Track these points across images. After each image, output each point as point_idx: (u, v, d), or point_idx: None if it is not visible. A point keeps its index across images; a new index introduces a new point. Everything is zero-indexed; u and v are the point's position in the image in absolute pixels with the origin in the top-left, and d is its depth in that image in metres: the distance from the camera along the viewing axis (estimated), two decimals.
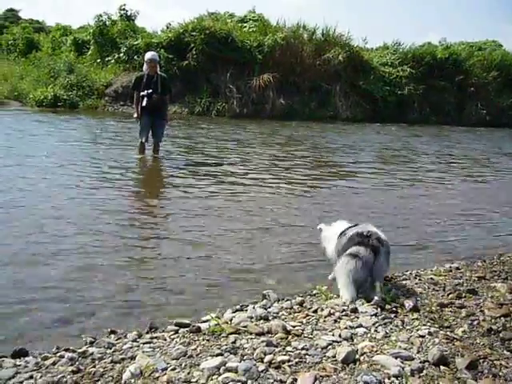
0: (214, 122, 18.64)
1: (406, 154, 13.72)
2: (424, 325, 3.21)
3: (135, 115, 9.94)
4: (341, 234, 4.12)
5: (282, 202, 7.50)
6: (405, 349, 2.86)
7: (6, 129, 13.21)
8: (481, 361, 2.74)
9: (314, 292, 4.09)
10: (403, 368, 2.61)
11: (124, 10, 24.74)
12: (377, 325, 3.21)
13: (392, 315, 3.37)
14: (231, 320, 3.42)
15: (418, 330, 3.12)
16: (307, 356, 2.79)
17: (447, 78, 25.14)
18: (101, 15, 23.75)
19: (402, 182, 9.63)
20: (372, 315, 3.37)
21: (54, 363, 2.88)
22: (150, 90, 9.59)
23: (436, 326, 3.21)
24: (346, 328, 3.18)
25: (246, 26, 24.26)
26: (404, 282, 4.22)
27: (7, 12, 55.99)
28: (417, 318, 3.32)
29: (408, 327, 3.18)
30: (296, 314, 3.52)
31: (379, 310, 3.44)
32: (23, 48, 28.91)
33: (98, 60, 23.02)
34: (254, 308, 3.67)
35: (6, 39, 30.91)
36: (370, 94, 23.15)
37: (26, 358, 3.00)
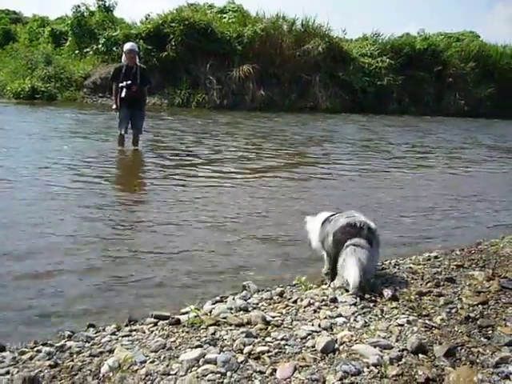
0: (193, 113, 18.56)
1: (378, 145, 13.80)
2: (403, 313, 3.23)
3: (114, 106, 9.86)
4: (324, 221, 4.16)
5: (259, 193, 7.49)
6: (384, 337, 2.87)
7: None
8: (459, 348, 2.76)
9: (294, 282, 4.08)
10: (382, 357, 2.61)
11: (102, 0, 24.44)
12: (356, 314, 3.22)
13: (371, 304, 3.38)
14: (211, 311, 3.40)
15: (396, 319, 3.13)
16: (287, 346, 2.79)
17: (426, 68, 25.35)
18: (79, 6, 23.54)
19: (371, 173, 9.69)
20: (351, 304, 3.37)
21: (31, 358, 2.84)
22: (129, 82, 9.49)
23: (415, 314, 3.23)
24: (325, 318, 3.18)
25: (225, 17, 24.20)
26: (383, 271, 4.24)
27: None
28: (396, 307, 3.34)
29: (387, 316, 3.19)
30: (276, 305, 3.51)
31: (358, 299, 3.45)
32: (0, 39, 28.41)
33: (77, 51, 22.78)
34: (233, 299, 3.66)
35: None
36: (349, 85, 23.26)
37: (3, 353, 2.95)
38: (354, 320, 3.14)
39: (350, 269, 3.56)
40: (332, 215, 4.17)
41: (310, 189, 8.14)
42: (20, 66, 21.20)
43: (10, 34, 28.99)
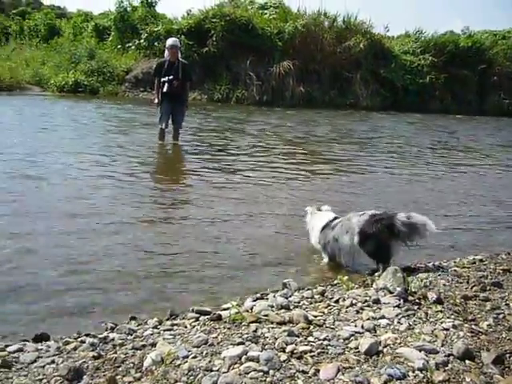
0: (233, 108, 18.60)
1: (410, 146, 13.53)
2: (448, 317, 3.15)
3: (156, 101, 9.94)
4: (324, 226, 4.63)
5: (300, 191, 7.46)
6: (429, 342, 2.80)
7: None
8: (507, 355, 2.68)
9: (335, 282, 4.04)
10: (427, 361, 2.55)
11: None
12: (400, 316, 3.16)
13: (415, 307, 3.31)
14: (252, 308, 3.38)
15: (442, 323, 3.05)
16: (329, 347, 2.75)
17: (469, 67, 24.75)
18: (122, 1, 23.83)
19: (401, 174, 9.48)
20: (395, 306, 3.31)
21: (75, 348, 2.87)
22: (171, 77, 9.57)
23: (460, 318, 3.15)
24: (368, 319, 3.13)
25: (266, 13, 24.15)
26: (426, 273, 4.15)
27: None
28: (440, 311, 3.26)
29: (432, 319, 3.12)
30: (317, 304, 3.48)
31: (402, 301, 3.39)
32: (45, 34, 29.03)
33: (119, 46, 23.07)
34: (274, 297, 3.63)
35: (29, 25, 31.01)
36: (390, 83, 22.92)
37: (48, 343, 3.00)
38: (398, 322, 3.08)
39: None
40: (331, 220, 4.62)
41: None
42: (64, 60, 21.62)
43: (54, 29, 29.50)
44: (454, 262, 4.59)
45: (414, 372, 2.47)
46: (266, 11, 24.49)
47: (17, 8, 44.69)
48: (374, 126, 16.55)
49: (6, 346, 2.92)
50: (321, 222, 4.70)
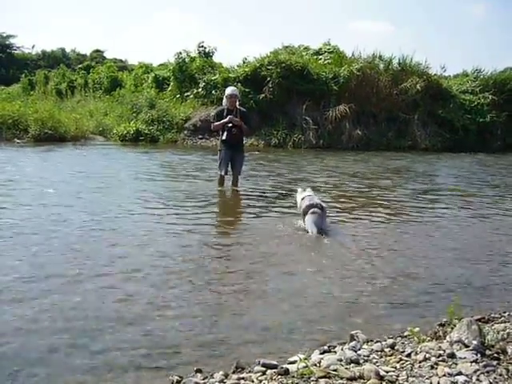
0: (291, 153, 18.67)
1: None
2: None
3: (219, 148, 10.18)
4: (302, 199, 7.64)
5: (362, 236, 7.32)
6: None
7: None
8: None
9: (406, 333, 3.88)
10: None
11: (202, 47, 25.47)
12: (478, 373, 2.97)
13: (494, 362, 3.12)
14: (320, 362, 3.27)
15: None
16: None
17: None
18: (180, 53, 24.59)
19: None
20: (472, 361, 3.12)
21: None
22: (230, 124, 9.73)
23: None
24: (444, 375, 2.96)
25: (321, 58, 24.42)
26: (503, 324, 3.93)
27: (94, 53, 59.39)
28: None
29: None
30: (388, 358, 3.33)
31: (479, 355, 3.20)
32: (108, 86, 30.22)
33: (178, 95, 23.71)
34: (342, 350, 3.51)
35: (93, 78, 32.48)
36: (449, 123, 22.53)
37: None
38: (477, 380, 2.90)
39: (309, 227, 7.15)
40: (306, 196, 7.61)
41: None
42: (126, 110, 22.39)
43: (117, 81, 30.70)
44: None
45: None
46: (320, 56, 24.76)
47: (82, 63, 47.19)
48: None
49: None
50: (301, 196, 7.81)
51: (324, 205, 7.41)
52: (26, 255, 5.78)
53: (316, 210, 7.16)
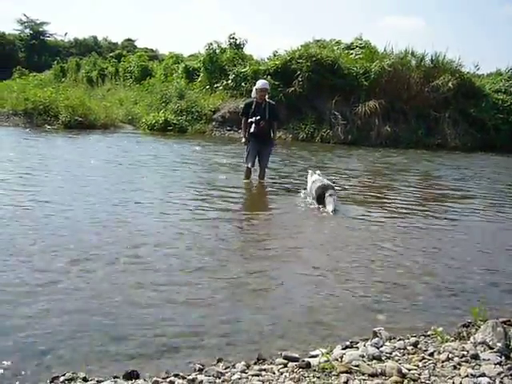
0: (319, 147, 18.59)
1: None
2: None
3: (243, 140, 10.14)
4: (313, 182, 8.85)
5: (389, 235, 7.27)
6: None
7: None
8: None
9: (429, 333, 3.85)
10: None
11: (233, 38, 25.43)
12: (502, 375, 2.94)
13: None
14: (342, 357, 3.28)
15: None
16: None
17: None
18: (211, 44, 24.64)
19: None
20: (496, 364, 3.09)
21: None
22: (259, 117, 9.74)
23: None
24: (466, 376, 2.94)
25: (352, 53, 24.20)
26: None
27: (125, 42, 59.96)
28: None
29: None
30: (410, 356, 3.32)
31: (503, 358, 3.16)
32: (138, 75, 30.44)
33: (207, 86, 23.76)
34: (365, 346, 3.50)
35: (124, 67, 32.74)
36: (480, 122, 22.14)
37: (138, 381, 3.04)
38: (501, 382, 2.88)
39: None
40: (316, 180, 8.86)
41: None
42: (155, 99, 22.54)
43: (147, 70, 30.89)
44: None
45: None
46: (352, 51, 24.56)
47: (113, 51, 47.63)
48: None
49: (98, 381, 2.98)
50: (313, 178, 9.09)
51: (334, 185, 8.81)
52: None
53: (332, 191, 8.32)
